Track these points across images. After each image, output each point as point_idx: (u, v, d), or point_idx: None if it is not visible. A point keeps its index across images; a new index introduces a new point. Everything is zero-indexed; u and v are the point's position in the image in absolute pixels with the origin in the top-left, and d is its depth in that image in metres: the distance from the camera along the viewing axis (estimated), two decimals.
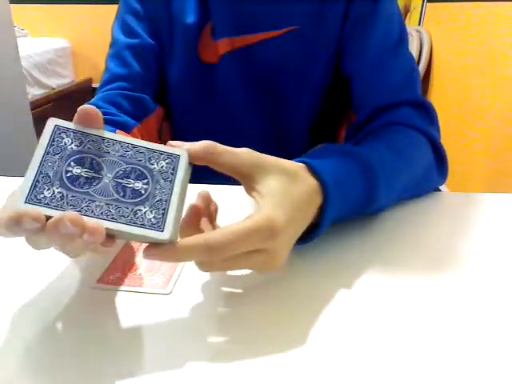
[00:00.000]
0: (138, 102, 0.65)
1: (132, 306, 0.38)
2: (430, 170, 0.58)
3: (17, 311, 0.38)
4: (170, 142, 0.37)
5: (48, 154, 0.33)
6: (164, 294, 0.40)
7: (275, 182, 0.38)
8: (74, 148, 0.34)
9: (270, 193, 0.37)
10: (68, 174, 0.33)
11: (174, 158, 0.35)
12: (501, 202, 0.57)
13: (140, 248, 0.46)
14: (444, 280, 0.42)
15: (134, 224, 0.32)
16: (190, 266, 0.43)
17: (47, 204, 0.31)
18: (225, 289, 0.40)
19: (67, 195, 0.32)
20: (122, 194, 0.33)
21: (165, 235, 0.32)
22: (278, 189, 0.37)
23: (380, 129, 0.59)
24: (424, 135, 0.58)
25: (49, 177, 0.32)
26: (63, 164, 0.33)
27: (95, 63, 3.26)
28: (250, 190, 0.39)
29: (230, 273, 0.42)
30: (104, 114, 0.61)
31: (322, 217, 0.41)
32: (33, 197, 0.31)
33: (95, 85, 3.31)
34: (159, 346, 0.34)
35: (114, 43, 0.69)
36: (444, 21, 2.15)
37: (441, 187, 1.97)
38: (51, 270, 0.43)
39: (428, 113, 0.62)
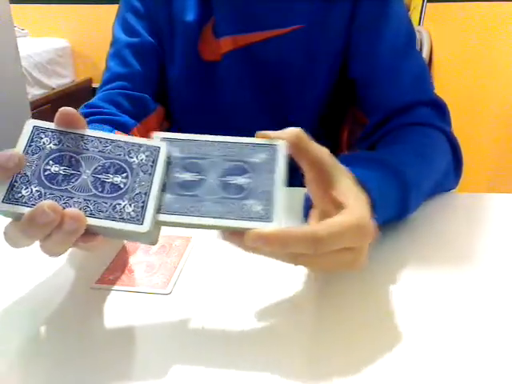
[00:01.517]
0: (139, 101, 0.65)
1: (132, 306, 0.38)
2: (449, 171, 0.58)
3: (16, 311, 0.38)
4: (260, 133, 0.36)
5: (27, 153, 0.33)
6: (164, 294, 0.40)
7: (351, 184, 0.38)
8: (53, 147, 0.34)
9: (351, 193, 0.36)
10: (46, 173, 0.33)
11: (153, 151, 0.35)
12: (501, 202, 0.57)
13: (140, 248, 0.46)
14: (448, 279, 0.42)
15: (113, 218, 0.32)
16: (190, 266, 0.43)
17: (25, 203, 0.31)
18: (225, 289, 0.40)
19: (45, 193, 0.32)
20: (100, 190, 0.33)
21: (144, 228, 0.32)
22: (355, 192, 0.37)
23: (399, 130, 0.58)
24: (444, 134, 0.57)
25: (27, 176, 0.33)
26: (41, 163, 0.33)
27: (95, 63, 3.25)
28: (328, 187, 0.37)
29: (229, 273, 0.42)
30: (104, 113, 0.61)
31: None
32: (10, 196, 0.31)
33: (95, 85, 3.30)
34: (159, 346, 0.34)
35: (114, 42, 0.69)
36: (444, 21, 2.15)
37: None
38: (51, 270, 0.43)
39: (442, 111, 0.62)
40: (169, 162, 0.35)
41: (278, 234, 0.31)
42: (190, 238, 0.47)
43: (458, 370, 0.32)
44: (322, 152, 0.37)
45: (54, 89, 2.93)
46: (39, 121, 0.35)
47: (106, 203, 0.33)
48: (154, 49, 0.68)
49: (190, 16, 0.65)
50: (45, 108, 2.69)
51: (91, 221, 0.32)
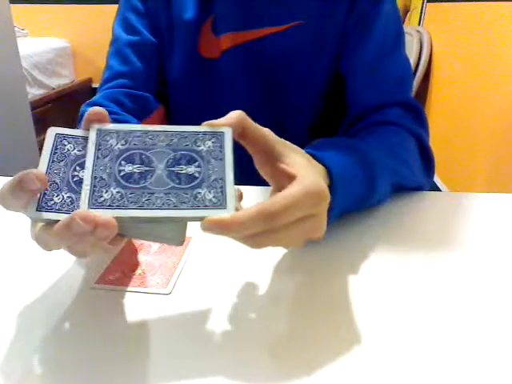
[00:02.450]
0: (140, 100, 0.66)
1: (132, 306, 0.38)
2: (416, 170, 0.59)
3: (16, 311, 0.38)
4: (207, 122, 0.36)
5: (53, 161, 0.34)
6: (164, 294, 0.40)
7: (301, 157, 0.38)
8: (77, 153, 0.35)
9: (302, 165, 0.37)
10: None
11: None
12: (501, 202, 0.57)
13: (140, 248, 0.46)
14: (443, 279, 0.42)
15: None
16: (190, 266, 0.43)
17: (58, 210, 0.32)
18: (225, 289, 0.40)
19: (77, 198, 0.33)
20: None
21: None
22: (305, 163, 0.38)
23: (372, 127, 0.59)
24: (414, 137, 0.59)
25: (56, 184, 0.33)
26: (69, 170, 0.34)
27: (95, 63, 3.26)
28: (276, 162, 0.37)
29: (229, 273, 0.42)
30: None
31: (332, 201, 0.41)
32: (43, 204, 0.32)
33: (95, 85, 3.30)
34: (159, 346, 0.34)
35: (114, 41, 0.69)
36: (444, 21, 2.15)
37: (441, 187, 1.98)
38: (51, 270, 0.43)
39: (418, 115, 0.63)
40: (109, 153, 0.34)
41: (232, 219, 0.31)
42: (190, 238, 0.47)
43: (454, 369, 0.32)
44: (264, 131, 0.37)
45: (54, 89, 2.93)
46: (60, 128, 0.35)
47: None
48: (155, 47, 0.68)
49: (190, 14, 0.65)
50: (45, 108, 2.69)
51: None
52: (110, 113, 0.61)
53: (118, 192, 0.32)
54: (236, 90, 0.68)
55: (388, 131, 0.58)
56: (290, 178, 0.35)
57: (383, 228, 0.50)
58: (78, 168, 0.34)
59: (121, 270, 0.43)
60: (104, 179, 0.33)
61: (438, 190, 1.98)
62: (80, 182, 0.33)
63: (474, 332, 0.35)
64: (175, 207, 0.32)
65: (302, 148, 0.49)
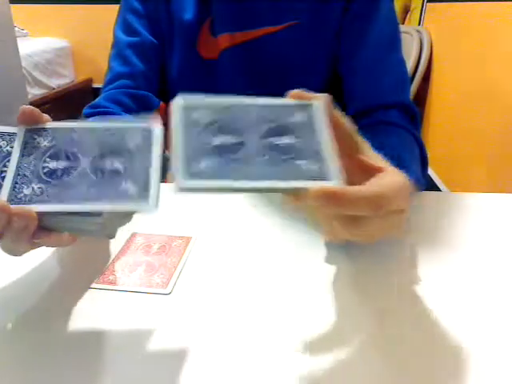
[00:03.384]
0: (142, 99, 0.66)
1: (132, 306, 0.38)
2: (419, 173, 0.59)
3: (16, 311, 0.38)
4: (296, 91, 0.35)
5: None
6: (164, 294, 0.40)
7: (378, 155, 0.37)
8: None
9: (384, 160, 0.36)
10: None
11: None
12: (501, 202, 0.57)
13: (140, 248, 0.46)
14: (443, 279, 0.42)
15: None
16: (190, 266, 0.43)
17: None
18: (225, 289, 0.40)
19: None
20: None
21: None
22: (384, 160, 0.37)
23: (373, 127, 0.59)
24: (414, 138, 0.59)
25: (26, 176, 0.33)
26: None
27: (95, 63, 3.25)
28: (357, 154, 0.36)
29: (229, 273, 0.42)
30: (108, 113, 0.62)
31: None
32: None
33: (95, 85, 3.31)
34: (159, 346, 0.34)
35: (115, 43, 0.70)
36: (444, 21, 2.15)
37: (441, 187, 1.98)
38: (51, 270, 0.43)
39: (414, 117, 0.64)
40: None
41: (345, 192, 0.29)
42: (190, 238, 0.47)
43: (456, 369, 0.32)
44: (347, 120, 0.36)
45: (54, 89, 2.93)
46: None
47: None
48: (155, 47, 0.68)
49: (188, 15, 0.66)
50: (45, 108, 2.69)
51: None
52: (112, 113, 0.61)
53: (39, 187, 0.32)
54: (234, 89, 0.68)
55: (390, 133, 0.58)
56: (372, 170, 0.34)
57: None
58: (7, 164, 0.34)
59: (121, 270, 0.43)
60: (27, 176, 0.33)
61: (438, 189, 1.98)
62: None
63: (474, 332, 0.35)
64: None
65: None
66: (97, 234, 0.34)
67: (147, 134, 0.35)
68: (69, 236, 0.34)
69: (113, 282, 0.41)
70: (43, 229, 0.33)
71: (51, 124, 0.36)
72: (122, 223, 0.37)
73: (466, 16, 1.93)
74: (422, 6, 2.42)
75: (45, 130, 0.35)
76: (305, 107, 0.34)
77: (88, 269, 0.43)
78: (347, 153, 0.35)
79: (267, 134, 0.33)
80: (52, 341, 0.35)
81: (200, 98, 0.35)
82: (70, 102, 2.97)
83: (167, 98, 0.71)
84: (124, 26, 0.69)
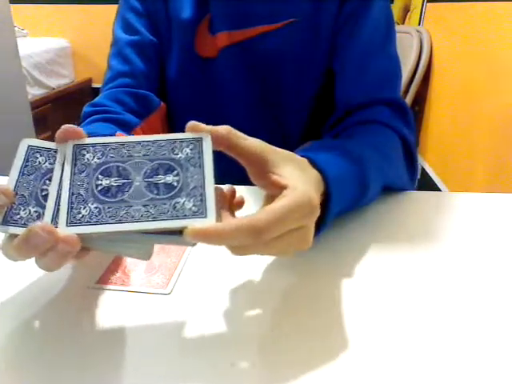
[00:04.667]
0: (142, 98, 0.66)
1: (132, 305, 0.38)
2: (402, 171, 0.59)
3: (16, 311, 0.38)
4: (191, 122, 0.36)
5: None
6: (164, 294, 0.40)
7: (293, 167, 0.38)
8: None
9: (293, 174, 0.37)
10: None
11: (196, 142, 0.35)
12: (501, 202, 0.57)
13: None
14: (443, 279, 0.42)
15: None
16: (190, 266, 0.43)
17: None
18: (225, 289, 0.40)
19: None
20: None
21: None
22: (297, 173, 0.37)
23: (359, 125, 0.60)
24: (399, 137, 0.59)
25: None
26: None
27: (95, 63, 3.25)
28: (267, 173, 0.37)
29: (228, 272, 0.42)
30: (108, 112, 0.62)
31: (328, 205, 0.42)
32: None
33: (95, 85, 3.30)
34: (159, 346, 0.34)
35: (115, 42, 0.70)
36: (444, 21, 2.15)
37: (441, 187, 1.98)
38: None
39: (404, 114, 0.64)
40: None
41: (216, 230, 0.31)
42: None
43: (449, 368, 0.32)
44: (254, 143, 0.37)
45: (54, 89, 2.93)
46: (34, 140, 0.35)
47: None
48: (155, 46, 0.69)
49: (187, 13, 0.66)
50: (45, 108, 2.69)
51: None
52: (112, 112, 0.62)
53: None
54: (233, 87, 0.69)
55: (374, 130, 0.59)
56: (282, 188, 0.35)
57: (382, 228, 0.50)
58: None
59: (121, 270, 0.43)
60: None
61: (438, 190, 1.98)
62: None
63: (473, 332, 0.35)
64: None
65: (297, 146, 0.49)
66: (140, 256, 0.34)
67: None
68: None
69: (113, 282, 0.41)
70: (83, 248, 0.32)
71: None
72: (170, 243, 0.35)
73: (466, 16, 1.93)
74: (422, 6, 2.42)
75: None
76: (193, 141, 0.35)
77: (88, 269, 0.43)
78: (261, 173, 0.37)
79: (151, 173, 0.34)
80: (52, 341, 0.35)
81: (90, 139, 0.35)
82: (70, 102, 2.96)
83: (166, 96, 0.71)
84: (123, 24, 0.69)
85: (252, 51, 0.66)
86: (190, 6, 0.66)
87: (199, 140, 0.35)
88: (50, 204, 0.33)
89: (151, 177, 0.33)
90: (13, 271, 0.43)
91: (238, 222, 0.31)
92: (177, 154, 0.34)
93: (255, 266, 0.43)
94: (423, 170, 2.17)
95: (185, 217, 0.32)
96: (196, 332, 0.36)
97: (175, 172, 0.34)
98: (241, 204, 0.40)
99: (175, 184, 0.33)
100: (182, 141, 0.35)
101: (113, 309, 0.38)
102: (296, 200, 0.33)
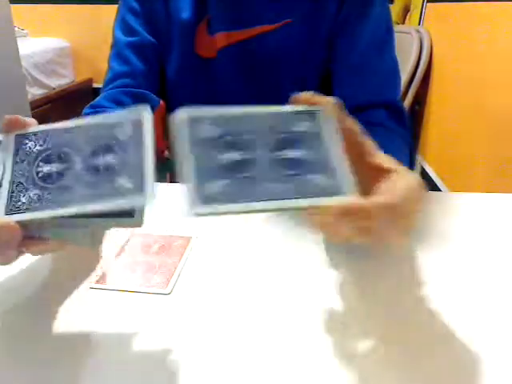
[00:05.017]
0: (141, 98, 0.66)
1: (132, 305, 0.38)
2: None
3: (16, 311, 0.38)
4: (304, 94, 0.34)
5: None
6: (164, 294, 0.40)
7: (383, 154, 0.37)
8: (39, 148, 0.34)
9: (390, 160, 0.36)
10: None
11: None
12: (501, 202, 0.57)
13: (140, 248, 0.46)
14: (443, 279, 0.42)
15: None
16: (190, 266, 0.43)
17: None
18: (225, 289, 0.40)
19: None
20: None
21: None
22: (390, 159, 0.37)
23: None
24: (401, 138, 0.60)
25: (22, 184, 0.33)
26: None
27: (95, 63, 3.25)
28: (365, 155, 0.36)
29: (229, 273, 0.42)
30: (106, 112, 0.62)
31: None
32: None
33: (95, 85, 3.30)
34: (159, 346, 0.34)
35: (115, 44, 0.70)
36: (444, 21, 2.15)
37: (441, 187, 1.97)
38: (51, 270, 0.43)
39: (402, 117, 0.64)
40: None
41: (361, 206, 0.30)
42: (190, 238, 0.47)
43: (455, 369, 0.32)
44: (355, 123, 0.36)
45: (54, 89, 2.93)
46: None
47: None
48: (154, 47, 0.69)
49: (186, 14, 0.67)
50: (45, 108, 2.69)
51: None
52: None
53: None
54: (232, 87, 0.69)
55: (377, 133, 0.58)
56: (385, 171, 0.34)
57: None
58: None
59: (121, 270, 0.43)
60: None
61: (438, 189, 1.98)
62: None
63: (478, 333, 0.35)
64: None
65: None
66: (83, 242, 0.33)
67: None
68: (56, 243, 0.33)
69: (113, 282, 0.41)
70: (30, 237, 0.32)
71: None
72: (118, 225, 0.34)
73: (466, 16, 1.93)
74: (422, 6, 2.42)
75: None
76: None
77: (88, 269, 0.43)
78: (356, 155, 0.35)
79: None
80: (52, 341, 0.35)
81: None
82: (70, 101, 2.96)
83: (166, 97, 0.72)
84: (123, 25, 0.70)
85: (250, 51, 0.67)
86: (190, 6, 0.67)
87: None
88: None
89: (91, 158, 0.33)
90: (12, 271, 0.43)
91: (378, 198, 0.30)
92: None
93: (255, 266, 0.43)
94: (423, 169, 2.17)
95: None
96: (196, 332, 0.35)
97: (113, 153, 0.33)
98: None
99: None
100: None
101: (113, 309, 0.38)
102: (415, 181, 0.33)
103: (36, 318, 0.37)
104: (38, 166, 0.33)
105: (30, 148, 0.34)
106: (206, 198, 0.29)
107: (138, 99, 0.66)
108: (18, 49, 1.83)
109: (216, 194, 0.30)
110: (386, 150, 0.54)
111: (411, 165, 0.61)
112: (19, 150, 0.34)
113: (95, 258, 0.45)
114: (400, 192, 0.32)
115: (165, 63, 0.70)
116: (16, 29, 1.98)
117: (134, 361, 0.33)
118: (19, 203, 0.32)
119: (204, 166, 0.31)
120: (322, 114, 0.34)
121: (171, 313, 0.37)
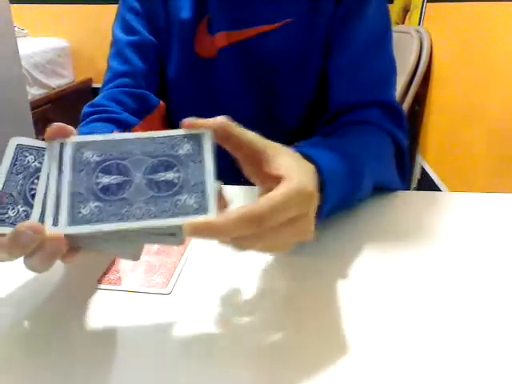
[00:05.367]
0: (141, 98, 0.66)
1: (132, 305, 0.38)
2: (392, 172, 0.60)
3: (16, 311, 0.38)
4: (188, 119, 0.35)
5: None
6: (164, 294, 0.40)
7: (289, 159, 0.37)
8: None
9: (289, 165, 0.36)
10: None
11: (196, 138, 0.35)
12: (501, 202, 0.57)
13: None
14: (443, 279, 0.42)
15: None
16: (190, 266, 0.43)
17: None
18: (225, 289, 0.40)
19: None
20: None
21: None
22: (294, 164, 0.37)
23: (351, 125, 0.60)
24: (391, 138, 0.60)
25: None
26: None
27: (95, 63, 3.25)
28: (264, 167, 0.37)
29: (229, 273, 0.42)
30: (107, 112, 0.62)
31: (324, 197, 0.42)
32: (73, 217, 0.32)
33: (95, 85, 3.30)
34: (159, 346, 0.34)
35: (114, 43, 0.70)
36: (444, 21, 2.15)
37: (441, 187, 1.98)
38: (51, 269, 0.43)
39: (397, 116, 0.64)
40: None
41: (215, 223, 0.30)
42: (190, 238, 0.47)
43: (446, 368, 0.32)
44: (251, 135, 0.36)
45: (54, 89, 2.93)
46: (23, 138, 0.35)
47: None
48: (154, 46, 0.69)
49: (186, 14, 0.67)
50: (45, 108, 2.69)
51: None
52: (110, 112, 0.62)
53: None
54: (232, 87, 0.69)
55: (365, 131, 0.59)
56: (278, 180, 0.35)
57: (382, 228, 0.50)
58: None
59: (121, 270, 0.43)
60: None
61: (438, 190, 1.98)
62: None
63: (473, 333, 0.35)
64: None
65: (293, 144, 0.49)
66: (130, 256, 0.33)
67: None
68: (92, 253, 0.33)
69: (113, 282, 0.41)
70: (72, 248, 0.32)
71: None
72: (161, 241, 0.35)
73: (466, 16, 1.93)
74: (422, 6, 2.42)
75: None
76: (195, 137, 0.35)
77: (88, 269, 0.43)
78: (258, 167, 0.36)
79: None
80: (51, 341, 0.35)
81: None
82: (70, 102, 2.96)
83: (166, 97, 0.72)
84: (123, 25, 0.70)
85: (250, 51, 0.67)
86: (190, 6, 0.67)
87: (199, 136, 0.35)
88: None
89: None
90: (12, 270, 0.43)
91: (237, 211, 0.31)
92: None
93: (255, 266, 0.43)
94: (423, 169, 2.17)
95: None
96: (196, 332, 0.35)
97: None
98: (226, 205, 0.40)
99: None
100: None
101: (113, 309, 0.38)
102: (293, 187, 0.33)
103: (36, 318, 0.37)
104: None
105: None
106: (74, 220, 0.31)
107: (138, 99, 0.66)
108: (17, 49, 1.83)
109: (87, 215, 0.31)
110: (369, 147, 0.54)
111: (403, 163, 0.61)
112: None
113: (95, 258, 0.45)
114: (269, 200, 0.32)
115: (165, 63, 0.70)
116: (16, 29, 1.99)
117: (133, 361, 0.33)
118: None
119: (77, 191, 0.32)
120: (206, 136, 0.35)
121: (171, 313, 0.37)
